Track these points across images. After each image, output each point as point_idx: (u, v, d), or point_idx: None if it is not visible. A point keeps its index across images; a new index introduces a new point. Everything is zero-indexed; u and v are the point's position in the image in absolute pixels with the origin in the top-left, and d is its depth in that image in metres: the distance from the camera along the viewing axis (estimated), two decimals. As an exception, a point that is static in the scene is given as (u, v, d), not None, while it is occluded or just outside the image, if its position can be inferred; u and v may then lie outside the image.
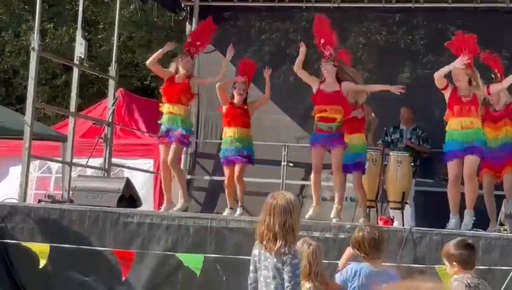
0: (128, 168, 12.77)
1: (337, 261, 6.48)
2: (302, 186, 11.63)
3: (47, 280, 9.09)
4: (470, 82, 8.70)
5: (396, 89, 9.31)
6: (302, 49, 9.34)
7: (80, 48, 10.93)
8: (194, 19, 12.79)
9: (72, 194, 10.18)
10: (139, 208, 9.82)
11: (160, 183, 12.94)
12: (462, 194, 8.75)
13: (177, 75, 9.92)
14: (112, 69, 11.59)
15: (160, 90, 10.15)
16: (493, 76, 9.27)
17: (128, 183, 9.93)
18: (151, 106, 13.68)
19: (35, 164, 13.10)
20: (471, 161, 8.60)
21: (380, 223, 8.97)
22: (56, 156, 12.08)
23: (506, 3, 11.68)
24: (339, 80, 9.25)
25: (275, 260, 5.31)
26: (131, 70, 21.66)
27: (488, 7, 11.73)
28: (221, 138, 10.39)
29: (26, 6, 20.92)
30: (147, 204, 11.79)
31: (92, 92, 20.99)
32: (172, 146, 9.75)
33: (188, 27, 13.05)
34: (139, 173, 12.91)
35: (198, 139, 12.61)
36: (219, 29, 12.77)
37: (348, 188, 9.65)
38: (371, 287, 5.86)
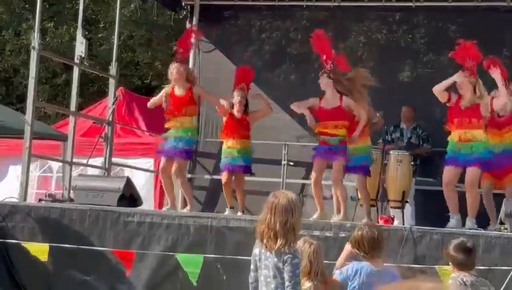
0: (129, 167, 12.77)
1: (338, 261, 6.48)
2: (303, 186, 11.63)
3: (47, 279, 9.09)
4: (474, 90, 8.70)
5: None
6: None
7: (80, 47, 10.93)
8: (194, 18, 12.77)
9: (72, 193, 10.19)
10: (139, 207, 9.82)
11: (161, 182, 12.97)
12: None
13: (176, 87, 9.86)
14: (112, 68, 11.58)
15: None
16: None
17: (129, 183, 9.93)
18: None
19: (36, 163, 13.09)
20: (471, 171, 8.62)
21: (381, 222, 8.98)
22: (56, 155, 12.08)
23: (506, 2, 11.66)
24: (340, 92, 9.32)
25: (275, 259, 5.31)
26: (132, 69, 21.66)
27: (488, 6, 11.72)
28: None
29: (27, 5, 20.92)
30: (148, 203, 11.79)
31: (93, 91, 20.98)
32: (177, 160, 9.71)
33: (188, 26, 13.03)
34: (140, 172, 12.91)
35: (199, 138, 12.60)
36: (219, 28, 12.78)
37: (348, 187, 9.66)
38: (371, 287, 5.86)
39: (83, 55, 10.95)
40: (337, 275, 6.11)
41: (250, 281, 5.53)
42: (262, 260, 5.38)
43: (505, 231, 8.36)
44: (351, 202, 9.94)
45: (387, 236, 7.15)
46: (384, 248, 6.17)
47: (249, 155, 9.93)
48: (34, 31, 10.61)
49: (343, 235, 8.12)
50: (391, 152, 10.14)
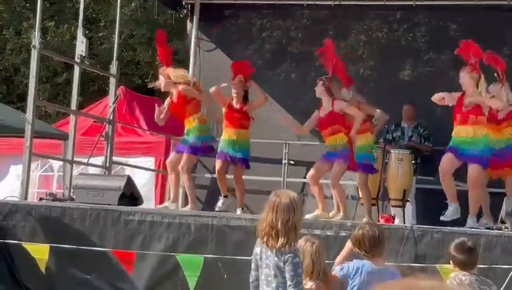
0: (130, 166, 12.77)
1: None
2: (303, 185, 11.63)
3: (48, 278, 9.08)
4: (477, 86, 8.70)
5: None
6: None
7: (80, 46, 10.93)
8: (194, 17, 12.77)
9: (73, 192, 10.19)
10: (140, 206, 9.83)
11: (162, 181, 12.97)
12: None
13: (173, 91, 10.00)
14: (113, 67, 11.58)
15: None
16: (496, 76, 9.26)
17: (129, 181, 9.94)
18: (152, 104, 13.64)
19: (37, 162, 13.10)
20: (472, 169, 8.61)
21: (381, 221, 8.98)
22: (57, 154, 12.09)
23: (507, 0, 11.67)
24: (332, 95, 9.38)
25: (276, 258, 5.31)
26: (132, 68, 21.66)
27: (489, 5, 11.71)
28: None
29: (27, 4, 20.92)
30: (148, 202, 11.80)
31: (93, 90, 20.97)
32: (185, 155, 9.84)
33: (189, 25, 13.03)
34: (141, 171, 12.91)
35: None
36: (220, 27, 12.78)
37: (349, 186, 9.66)
38: (372, 285, 5.85)
39: (84, 54, 10.95)
40: (337, 271, 6.09)
41: (251, 280, 5.54)
42: (263, 259, 5.38)
43: (506, 230, 8.36)
44: (352, 201, 9.94)
45: (388, 235, 7.15)
46: (385, 247, 6.16)
47: (247, 148, 9.95)
48: (34, 30, 10.62)
49: (344, 234, 8.12)
50: (392, 151, 10.14)
